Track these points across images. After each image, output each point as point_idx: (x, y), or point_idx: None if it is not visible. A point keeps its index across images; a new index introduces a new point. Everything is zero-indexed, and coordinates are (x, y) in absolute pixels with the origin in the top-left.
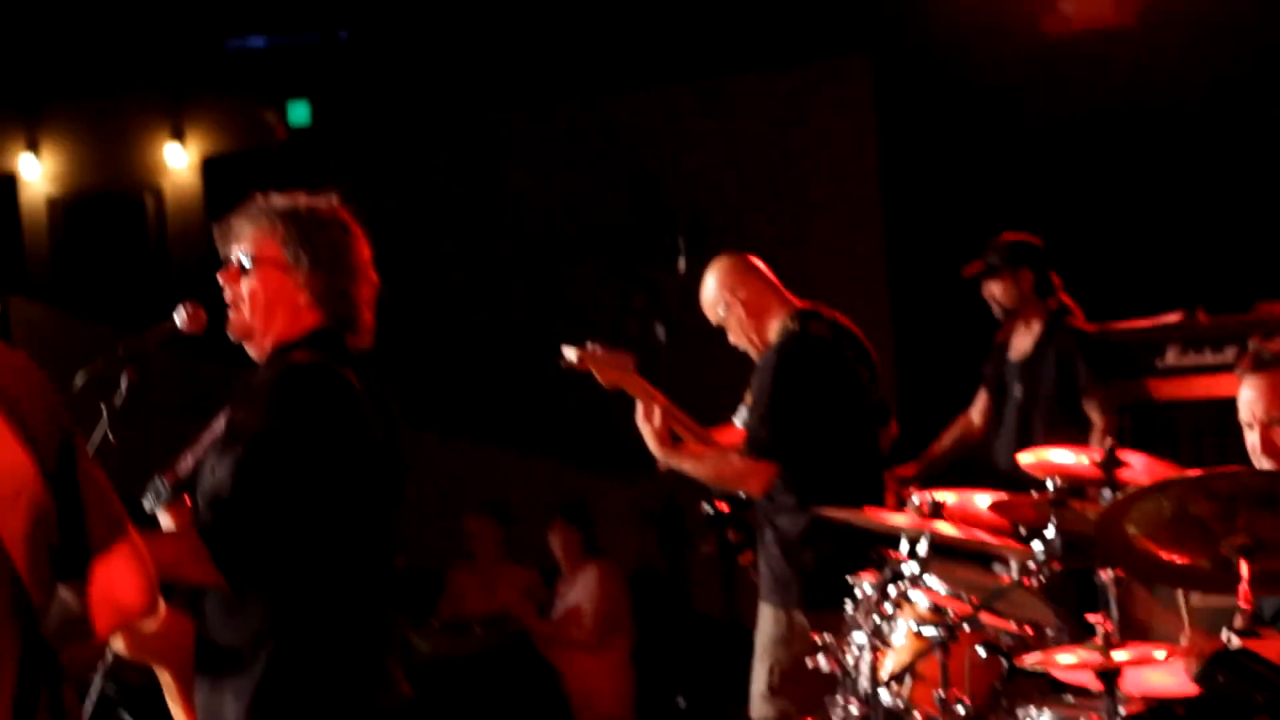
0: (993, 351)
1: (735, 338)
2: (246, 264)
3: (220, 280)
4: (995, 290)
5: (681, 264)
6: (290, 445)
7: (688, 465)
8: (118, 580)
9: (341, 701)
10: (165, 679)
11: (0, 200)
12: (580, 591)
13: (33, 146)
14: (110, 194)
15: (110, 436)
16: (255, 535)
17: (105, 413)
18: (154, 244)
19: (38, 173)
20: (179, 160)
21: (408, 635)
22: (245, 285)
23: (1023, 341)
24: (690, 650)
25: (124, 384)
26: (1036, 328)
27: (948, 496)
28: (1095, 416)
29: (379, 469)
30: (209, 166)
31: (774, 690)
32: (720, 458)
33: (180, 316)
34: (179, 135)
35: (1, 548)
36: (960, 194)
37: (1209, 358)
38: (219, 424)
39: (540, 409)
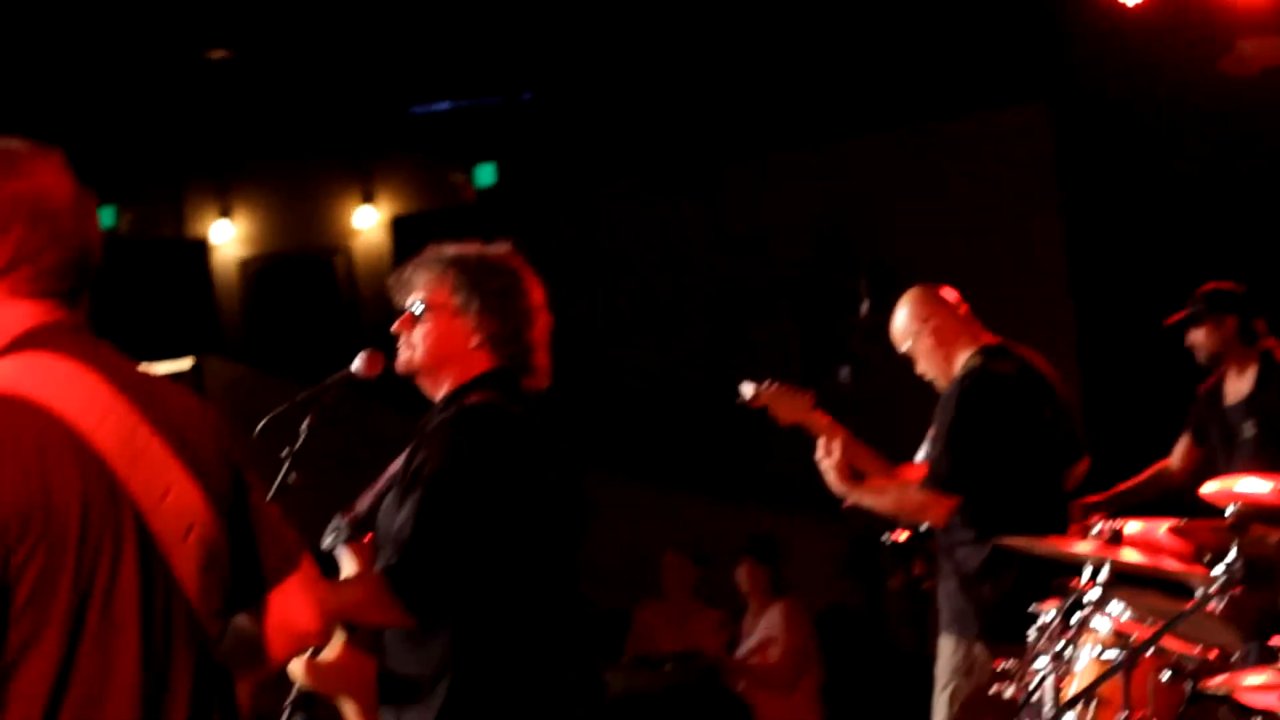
0: (1199, 401)
1: (923, 367)
2: (418, 310)
3: (394, 329)
4: (1199, 338)
5: (865, 307)
6: (468, 484)
7: (869, 499)
8: (292, 608)
9: None
10: (348, 710)
11: (194, 264)
12: (768, 629)
13: (225, 212)
14: (302, 256)
15: (292, 478)
16: (438, 574)
17: (286, 456)
18: (345, 303)
19: (230, 236)
20: (368, 221)
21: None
22: (418, 331)
23: (1239, 385)
24: (882, 685)
25: (304, 429)
26: (1252, 370)
27: (1131, 524)
28: None
29: (553, 506)
30: (398, 226)
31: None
32: (901, 491)
33: (359, 363)
34: (368, 198)
35: (176, 582)
36: (1142, 236)
37: None
38: (397, 465)
39: (729, 453)
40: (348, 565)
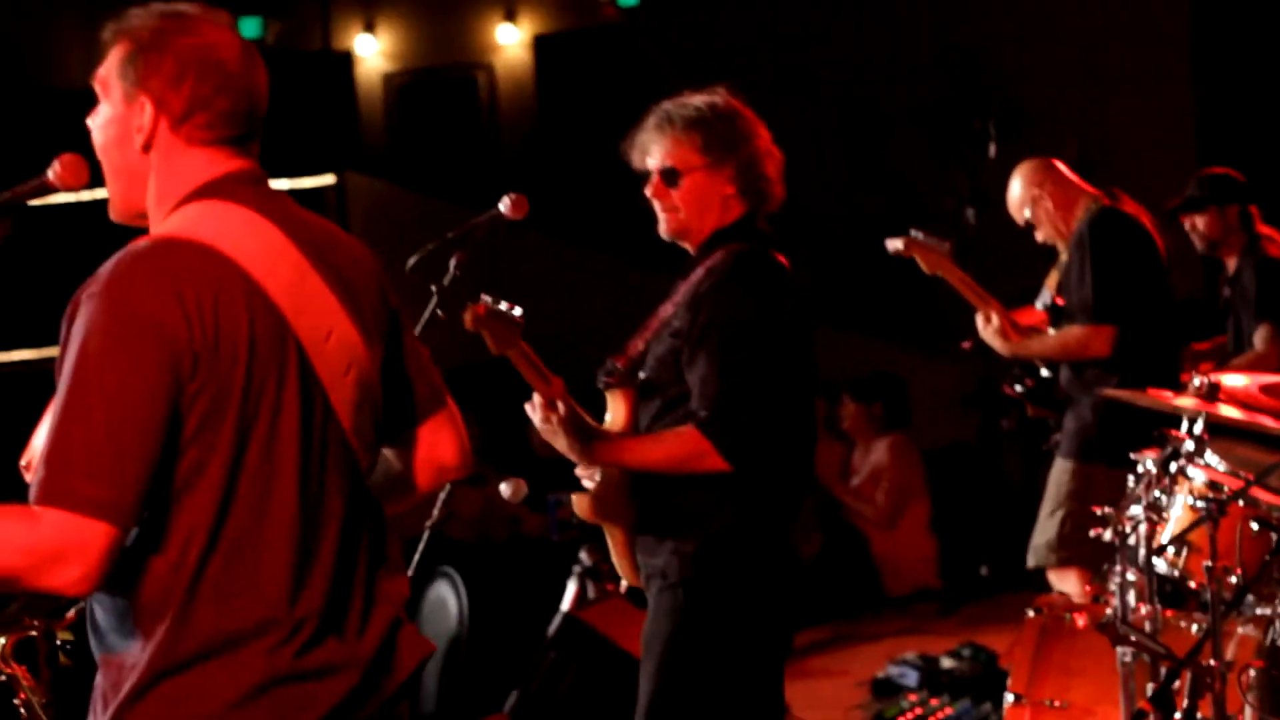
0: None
1: (1043, 232)
2: (674, 175)
3: (648, 194)
4: (1199, 223)
5: (992, 149)
6: (759, 333)
7: (1034, 349)
8: (438, 443)
9: (769, 562)
10: (615, 535)
11: (338, 77)
12: (873, 465)
13: (370, 25)
14: (444, 71)
15: (440, 314)
16: (749, 422)
17: (435, 293)
18: (486, 119)
19: (374, 50)
20: (511, 38)
21: None
22: (677, 195)
23: (1230, 270)
24: (992, 515)
25: (453, 265)
26: (1235, 259)
27: (1233, 378)
28: (1258, 342)
29: (809, 345)
30: (540, 44)
31: (1063, 540)
32: (1060, 335)
33: (505, 205)
34: (510, 14)
35: (334, 416)
36: (1274, 73)
37: None
38: (667, 311)
39: (860, 286)
40: (615, 407)
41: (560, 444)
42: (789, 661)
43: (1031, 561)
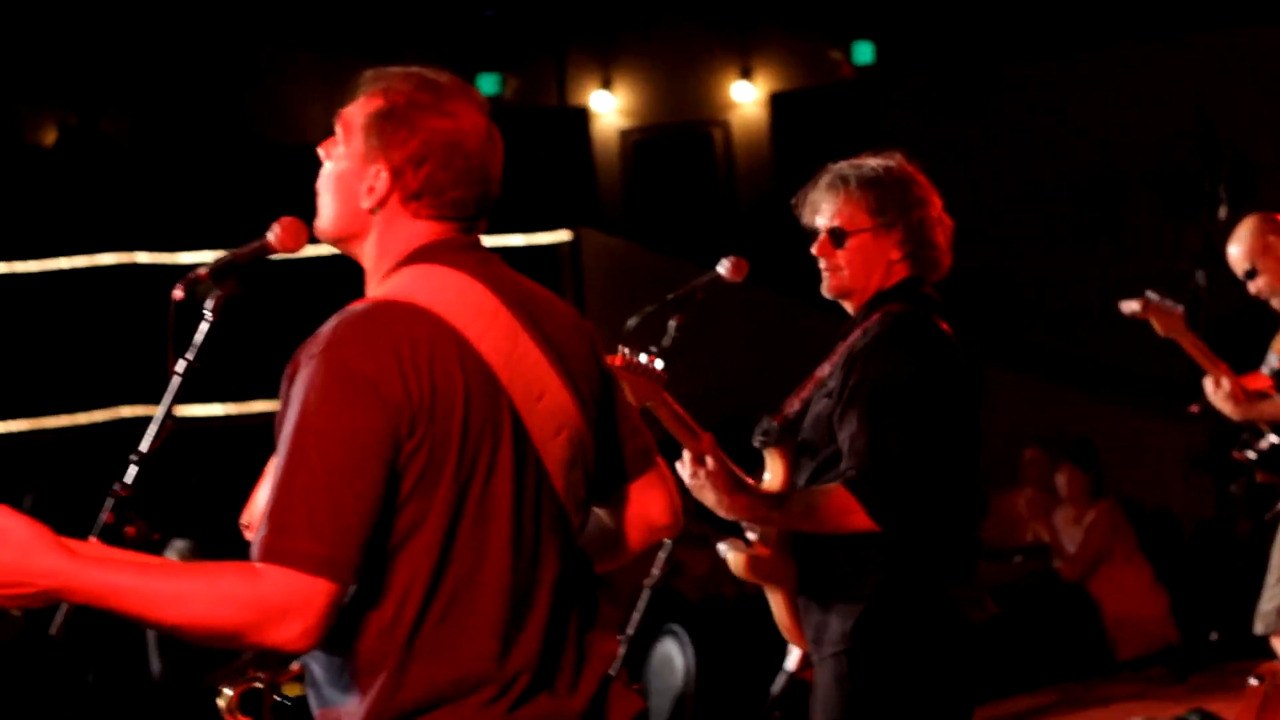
0: None
1: (1263, 282)
2: (842, 235)
3: (813, 252)
4: None
5: (1223, 211)
6: (911, 394)
7: (1266, 411)
8: (649, 502)
9: (933, 623)
10: (776, 598)
11: (575, 134)
12: (1084, 528)
13: (606, 83)
14: (680, 128)
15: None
16: (898, 482)
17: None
18: (721, 177)
19: (611, 107)
20: (747, 96)
21: None
22: (842, 255)
23: None
24: (1223, 575)
25: (672, 327)
26: None
27: None
28: None
29: (971, 407)
30: (776, 102)
31: None
32: None
33: (724, 267)
34: (746, 73)
35: (547, 476)
36: None
37: None
38: (824, 370)
39: (1092, 347)
40: (774, 466)
41: (709, 500)
42: None
43: (1259, 628)
